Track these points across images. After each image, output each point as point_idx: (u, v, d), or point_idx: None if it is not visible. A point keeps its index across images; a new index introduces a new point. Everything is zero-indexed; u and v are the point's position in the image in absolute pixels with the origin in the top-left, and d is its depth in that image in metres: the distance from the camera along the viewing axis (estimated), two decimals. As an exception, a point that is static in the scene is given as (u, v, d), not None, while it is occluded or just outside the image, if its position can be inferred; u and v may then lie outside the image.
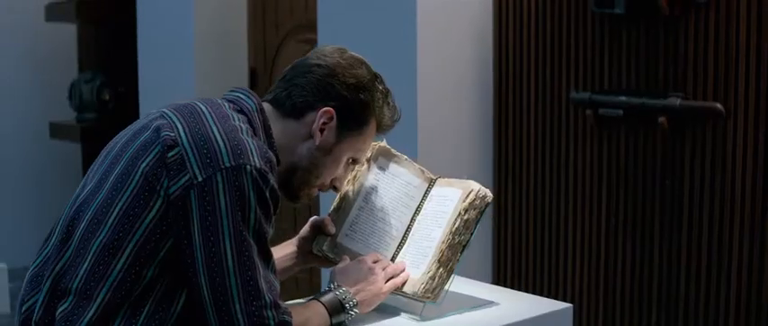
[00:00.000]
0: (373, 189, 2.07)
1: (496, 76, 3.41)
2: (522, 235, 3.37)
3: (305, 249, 2.06)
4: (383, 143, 2.12)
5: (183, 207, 1.65)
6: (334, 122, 1.89)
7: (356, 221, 2.05)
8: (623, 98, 3.04)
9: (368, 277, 1.91)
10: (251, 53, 4.42)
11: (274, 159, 1.75)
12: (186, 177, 1.66)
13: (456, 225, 1.96)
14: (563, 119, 3.23)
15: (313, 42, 3.84)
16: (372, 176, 2.08)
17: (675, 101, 2.90)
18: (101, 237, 1.68)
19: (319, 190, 1.97)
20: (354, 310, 1.86)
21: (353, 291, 1.88)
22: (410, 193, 2.08)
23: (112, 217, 1.68)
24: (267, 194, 1.69)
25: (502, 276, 3.44)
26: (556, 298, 3.26)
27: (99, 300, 1.66)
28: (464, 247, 1.97)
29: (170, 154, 1.68)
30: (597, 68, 3.12)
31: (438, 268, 1.94)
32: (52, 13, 5.22)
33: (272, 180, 1.70)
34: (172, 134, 1.70)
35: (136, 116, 4.77)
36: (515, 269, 3.41)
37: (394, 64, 3.31)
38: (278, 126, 1.87)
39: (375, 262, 1.96)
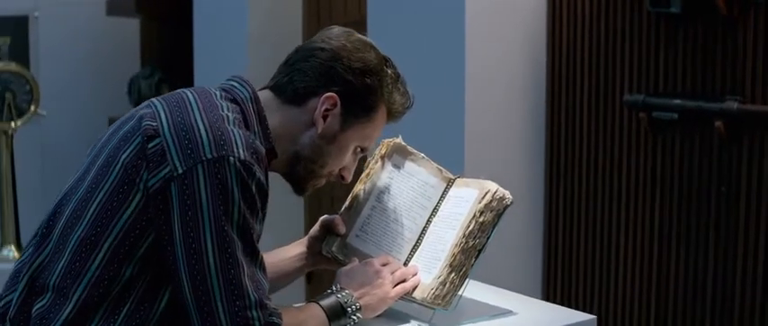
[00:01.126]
0: (387, 188, 1.99)
1: (549, 78, 3.32)
2: (573, 242, 3.28)
3: (315, 250, 1.98)
4: (399, 140, 2.03)
5: (163, 201, 1.58)
6: (338, 109, 1.79)
7: (368, 221, 1.96)
8: (678, 101, 2.93)
9: (374, 281, 1.83)
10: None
11: (262, 151, 1.65)
12: (166, 169, 1.58)
13: (470, 228, 1.87)
14: (616, 122, 3.13)
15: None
16: (386, 175, 2.00)
17: (733, 105, 2.78)
18: (79, 231, 1.62)
19: (327, 180, 1.88)
20: (357, 314, 1.78)
21: (358, 294, 1.80)
22: (427, 193, 1.99)
23: (91, 211, 1.62)
24: (253, 188, 1.60)
25: (552, 284, 3.35)
26: (606, 307, 3.17)
27: (76, 298, 1.60)
28: (480, 251, 1.87)
29: (150, 145, 1.60)
30: (652, 70, 3.02)
31: (449, 273, 1.85)
32: (113, 8, 5.25)
33: (259, 173, 1.62)
34: (153, 124, 1.63)
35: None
36: (566, 277, 3.31)
37: (442, 64, 3.25)
38: (278, 115, 1.78)
39: (384, 265, 1.87)
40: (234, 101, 1.73)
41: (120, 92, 5.42)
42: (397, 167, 2.01)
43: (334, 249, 1.95)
